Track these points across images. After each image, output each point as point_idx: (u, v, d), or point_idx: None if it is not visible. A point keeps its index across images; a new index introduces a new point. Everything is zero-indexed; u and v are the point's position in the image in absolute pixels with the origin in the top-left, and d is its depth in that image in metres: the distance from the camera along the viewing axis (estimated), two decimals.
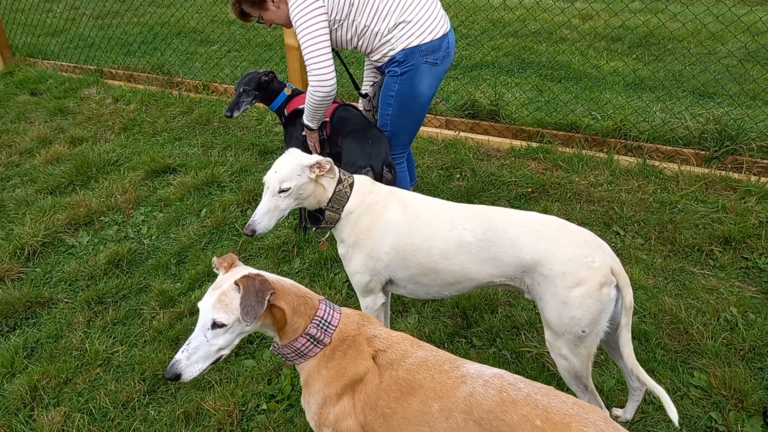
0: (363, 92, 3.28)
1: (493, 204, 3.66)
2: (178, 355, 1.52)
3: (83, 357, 2.74)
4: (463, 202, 2.20)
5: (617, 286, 1.89)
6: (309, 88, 2.71)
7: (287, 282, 1.62)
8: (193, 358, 1.52)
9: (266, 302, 1.48)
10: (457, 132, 4.77)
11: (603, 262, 1.87)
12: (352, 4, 2.70)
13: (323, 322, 1.60)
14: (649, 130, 4.33)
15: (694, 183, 3.81)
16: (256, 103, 3.35)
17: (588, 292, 1.84)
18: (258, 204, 2.17)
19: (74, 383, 2.60)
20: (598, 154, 4.26)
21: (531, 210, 2.36)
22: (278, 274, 3.22)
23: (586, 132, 4.47)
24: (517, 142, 4.53)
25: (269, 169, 2.16)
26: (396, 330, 1.69)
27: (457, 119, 4.86)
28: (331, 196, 2.17)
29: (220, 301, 1.51)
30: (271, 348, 1.70)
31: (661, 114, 4.63)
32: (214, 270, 1.66)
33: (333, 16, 2.71)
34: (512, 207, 2.73)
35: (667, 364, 2.52)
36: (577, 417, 1.31)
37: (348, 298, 3.01)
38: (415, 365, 1.53)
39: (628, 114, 4.58)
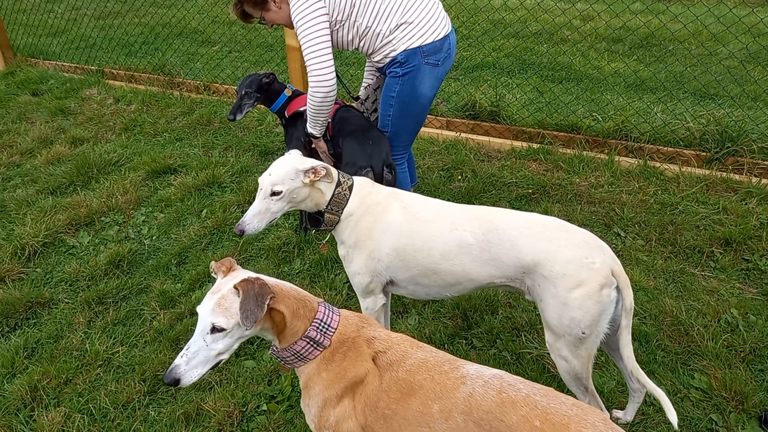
0: (355, 96, 3.31)
1: (493, 205, 3.64)
2: (177, 360, 1.52)
3: (83, 357, 2.74)
4: (464, 203, 2.20)
5: (618, 288, 1.89)
6: (309, 89, 2.72)
7: (286, 285, 1.62)
8: (192, 362, 1.51)
9: (266, 306, 1.48)
10: (457, 133, 4.77)
11: (603, 263, 1.87)
12: (354, 5, 2.70)
13: (323, 324, 1.60)
14: (650, 132, 4.33)
15: (695, 184, 3.81)
16: (257, 105, 3.35)
17: (588, 293, 1.84)
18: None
19: (74, 383, 2.60)
20: (598, 156, 4.26)
21: (531, 211, 2.36)
22: (279, 275, 3.23)
23: (587, 133, 4.47)
24: (517, 143, 4.53)
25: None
26: (396, 331, 1.69)
27: (457, 120, 4.86)
28: (330, 199, 2.17)
29: (220, 306, 1.50)
30: (270, 351, 1.70)
31: (662, 115, 4.63)
32: (212, 274, 1.66)
33: (334, 16, 2.71)
34: (513, 208, 2.73)
35: (668, 366, 2.52)
36: (576, 418, 1.31)
37: (348, 299, 3.01)
38: (414, 366, 1.53)
39: (629, 115, 4.58)
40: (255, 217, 2.15)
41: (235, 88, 3.40)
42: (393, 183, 2.81)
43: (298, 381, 2.44)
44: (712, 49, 5.82)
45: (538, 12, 7.16)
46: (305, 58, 2.67)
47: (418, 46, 2.74)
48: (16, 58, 7.22)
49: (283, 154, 2.29)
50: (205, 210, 3.86)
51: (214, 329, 1.50)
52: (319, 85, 2.67)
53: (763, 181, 3.79)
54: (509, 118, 4.77)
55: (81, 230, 3.75)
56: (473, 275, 2.06)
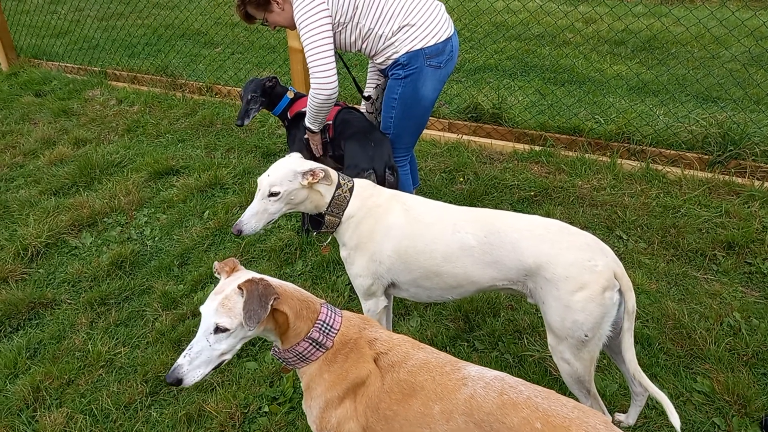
0: (366, 95, 3.29)
1: (495, 207, 3.62)
2: (180, 360, 1.52)
3: (86, 358, 2.75)
4: (466, 206, 2.20)
5: (620, 291, 1.89)
6: (310, 90, 2.72)
7: (289, 286, 1.63)
8: (195, 362, 1.52)
9: (269, 307, 1.48)
10: (459, 135, 4.77)
11: (606, 266, 1.87)
12: (357, 7, 2.71)
13: (325, 325, 1.60)
14: (652, 134, 4.33)
15: (698, 187, 3.81)
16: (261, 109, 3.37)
17: (591, 296, 1.84)
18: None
19: (77, 384, 2.61)
20: (601, 158, 4.26)
21: (533, 214, 2.36)
22: (280, 276, 3.23)
23: (589, 136, 4.47)
24: (519, 146, 4.53)
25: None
26: (398, 333, 1.69)
27: (460, 122, 4.86)
28: (330, 201, 2.17)
29: (223, 306, 1.51)
30: (271, 352, 1.70)
31: (665, 118, 4.63)
32: (216, 275, 1.66)
33: (337, 18, 2.72)
34: (515, 210, 2.73)
35: (670, 369, 2.51)
36: (578, 421, 1.31)
37: (350, 301, 3.01)
38: (416, 367, 1.53)
39: (631, 118, 4.58)
40: (253, 218, 2.16)
41: (238, 90, 3.41)
42: (395, 185, 2.81)
43: (299, 383, 2.44)
44: (715, 52, 5.81)
45: (541, 14, 7.16)
46: (307, 60, 2.68)
47: (421, 49, 2.75)
48: (20, 59, 7.25)
49: (284, 156, 2.30)
50: (207, 211, 3.87)
51: (218, 329, 1.51)
52: (321, 87, 2.67)
53: (766, 184, 3.78)
54: (511, 120, 4.77)
55: (83, 231, 3.75)
56: (475, 278, 2.06)
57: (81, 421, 2.41)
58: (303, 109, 3.16)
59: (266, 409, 2.43)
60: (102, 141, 5.06)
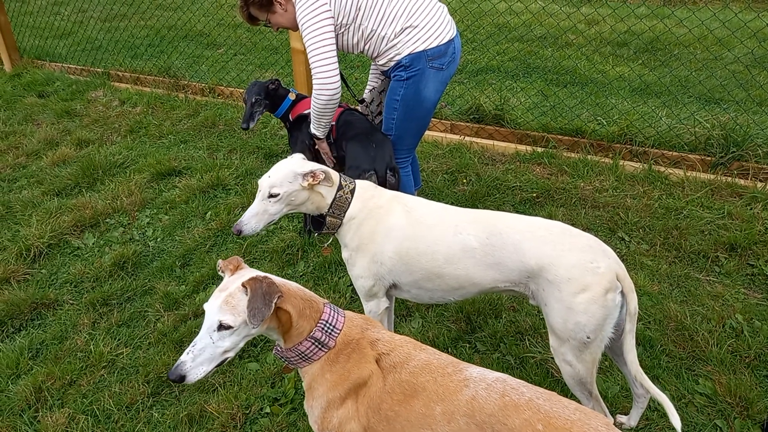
0: (360, 98, 3.31)
1: (497, 209, 3.66)
2: (183, 357, 1.52)
3: (88, 359, 2.75)
4: (468, 207, 2.20)
5: (622, 292, 1.89)
6: (313, 91, 2.73)
7: (293, 285, 1.63)
8: (198, 359, 1.52)
9: (273, 305, 1.49)
10: (462, 136, 4.77)
11: (608, 267, 1.86)
12: (359, 9, 2.71)
13: (328, 325, 1.60)
14: (654, 136, 4.33)
15: (700, 189, 3.80)
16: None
17: (593, 297, 1.84)
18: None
19: (79, 385, 2.61)
20: (603, 160, 4.26)
21: (536, 215, 2.35)
22: (282, 277, 3.23)
23: (592, 137, 4.46)
24: (522, 147, 4.53)
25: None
26: (400, 334, 1.69)
27: (462, 123, 4.86)
28: (332, 203, 2.17)
29: (227, 303, 1.51)
30: (274, 352, 1.70)
31: (667, 119, 4.62)
32: (220, 273, 1.67)
33: (339, 20, 2.72)
34: (517, 212, 2.73)
35: (672, 371, 2.51)
36: (579, 422, 1.31)
37: (352, 301, 3.01)
38: (418, 368, 1.53)
39: (633, 119, 4.57)
40: (253, 218, 2.17)
41: (240, 91, 3.42)
42: (396, 186, 2.81)
43: (301, 384, 2.44)
44: (717, 53, 5.81)
45: (543, 16, 7.16)
46: (310, 61, 2.68)
47: (423, 50, 2.75)
48: (23, 60, 7.27)
49: (286, 157, 2.30)
50: (209, 212, 3.87)
51: (221, 327, 1.51)
52: (324, 88, 2.68)
53: None
54: (513, 121, 4.77)
55: (86, 232, 3.76)
56: (477, 279, 2.06)
57: (83, 422, 2.41)
58: (305, 111, 3.18)
59: (268, 409, 2.43)
60: (105, 142, 5.07)
